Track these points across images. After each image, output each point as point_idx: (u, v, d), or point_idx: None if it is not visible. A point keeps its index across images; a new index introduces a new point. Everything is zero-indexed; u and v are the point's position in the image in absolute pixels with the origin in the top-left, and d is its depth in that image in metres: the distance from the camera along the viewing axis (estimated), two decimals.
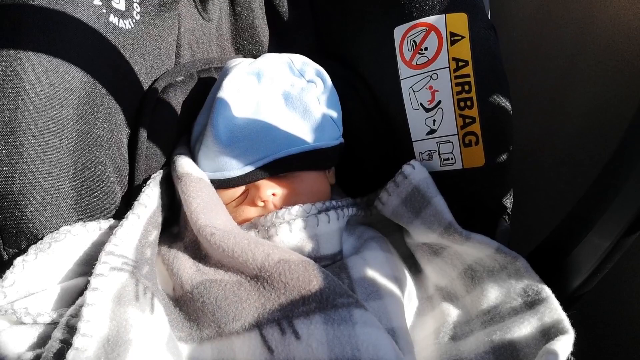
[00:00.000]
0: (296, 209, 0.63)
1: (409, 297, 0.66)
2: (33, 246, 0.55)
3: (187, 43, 0.81)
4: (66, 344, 0.48)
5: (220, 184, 0.68)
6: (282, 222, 0.62)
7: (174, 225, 0.70)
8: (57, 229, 0.57)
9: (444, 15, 0.66)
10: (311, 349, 0.48)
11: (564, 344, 0.50)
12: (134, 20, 0.69)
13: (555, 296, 0.56)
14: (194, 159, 0.70)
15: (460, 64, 0.65)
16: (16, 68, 0.56)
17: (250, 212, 0.67)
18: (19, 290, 0.53)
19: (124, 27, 0.67)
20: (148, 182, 0.65)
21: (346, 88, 0.78)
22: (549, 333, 0.54)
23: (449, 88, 0.66)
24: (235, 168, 0.67)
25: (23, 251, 0.56)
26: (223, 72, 0.73)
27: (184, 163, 0.67)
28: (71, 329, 0.49)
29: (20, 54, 0.56)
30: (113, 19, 0.65)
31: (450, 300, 0.65)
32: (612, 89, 0.87)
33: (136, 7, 0.70)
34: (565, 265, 0.60)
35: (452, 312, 0.64)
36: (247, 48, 0.87)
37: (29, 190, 0.56)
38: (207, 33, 0.84)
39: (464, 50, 0.65)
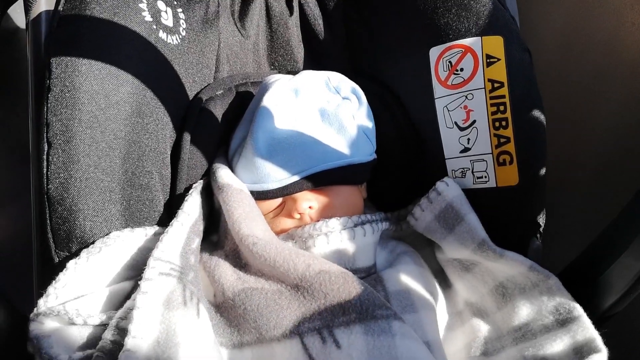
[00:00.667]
0: (333, 222, 0.65)
1: (439, 312, 0.68)
2: (85, 250, 0.57)
3: (226, 58, 0.84)
4: (117, 345, 0.50)
5: (258, 196, 0.70)
6: (320, 234, 0.64)
7: (213, 234, 0.72)
8: (107, 234, 0.60)
9: (480, 37, 0.68)
10: (351, 358, 0.50)
11: None
12: (180, 36, 0.72)
13: (587, 315, 0.57)
14: (232, 170, 0.73)
15: (496, 85, 0.67)
16: (73, 80, 0.59)
17: (286, 223, 0.69)
18: (70, 292, 0.55)
19: (172, 43, 0.70)
20: (190, 192, 0.68)
21: (380, 105, 0.80)
22: (581, 351, 0.55)
23: (484, 108, 0.67)
24: (273, 180, 0.69)
25: (74, 254, 0.58)
26: (262, 87, 0.76)
27: (224, 174, 0.70)
28: (121, 331, 0.51)
29: (77, 66, 0.59)
30: (162, 34, 0.68)
31: (481, 316, 0.66)
32: (638, 109, 0.88)
33: (182, 23, 0.73)
34: (597, 284, 0.61)
35: (483, 328, 0.65)
36: (282, 64, 0.90)
37: (83, 197, 0.58)
38: (245, 49, 0.87)
39: (499, 72, 0.67)
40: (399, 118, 0.79)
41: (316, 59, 0.90)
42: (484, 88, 0.67)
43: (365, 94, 0.78)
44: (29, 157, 0.66)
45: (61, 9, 0.63)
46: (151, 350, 0.48)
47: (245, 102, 0.79)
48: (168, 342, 0.49)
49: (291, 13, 0.88)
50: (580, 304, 0.58)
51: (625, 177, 0.86)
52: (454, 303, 0.70)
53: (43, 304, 0.53)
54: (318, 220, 0.67)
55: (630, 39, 0.90)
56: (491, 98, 0.67)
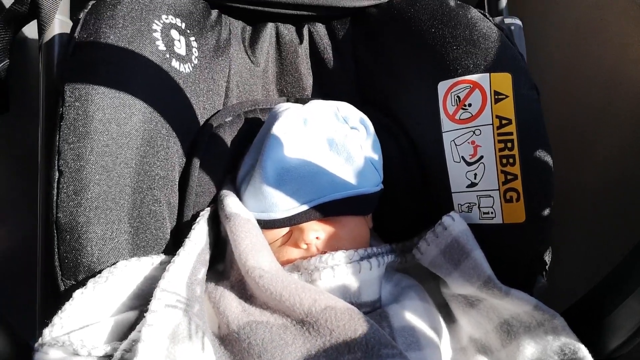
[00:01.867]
0: (340, 255, 0.65)
1: (443, 347, 0.67)
2: (91, 279, 0.57)
3: (236, 85, 0.85)
4: None
5: (265, 224, 0.70)
6: (326, 267, 0.64)
7: (219, 263, 0.72)
8: (114, 263, 0.60)
9: (488, 74, 0.69)
10: None
11: None
12: (193, 64, 0.72)
13: (592, 356, 0.57)
14: (240, 198, 0.73)
15: (504, 122, 0.67)
16: (87, 109, 0.59)
17: (293, 253, 0.69)
18: (75, 322, 0.55)
19: (184, 71, 0.70)
20: (197, 220, 0.68)
21: (387, 136, 0.81)
22: None
23: (491, 144, 0.68)
24: (281, 209, 0.69)
25: (80, 283, 0.58)
26: (272, 115, 0.76)
27: (231, 203, 0.70)
28: None
29: (91, 95, 0.60)
30: (175, 63, 0.69)
31: (485, 353, 0.66)
32: None
33: (195, 51, 0.73)
34: (603, 326, 0.60)
35: None
36: (290, 91, 0.90)
37: (92, 226, 0.58)
38: (254, 75, 0.88)
39: (507, 109, 0.67)
40: (406, 149, 0.80)
41: (325, 88, 0.90)
42: (492, 124, 0.68)
43: (373, 125, 0.78)
44: (29, 170, 0.66)
45: (77, 36, 0.64)
46: None
47: (254, 128, 0.79)
48: None
49: (301, 41, 0.89)
50: (585, 345, 0.58)
51: (632, 212, 0.86)
52: (458, 338, 0.70)
53: (48, 333, 0.53)
54: (325, 251, 0.67)
55: (634, 73, 0.90)
56: (499, 135, 0.67)
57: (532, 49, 1.02)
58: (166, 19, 0.70)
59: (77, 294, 0.55)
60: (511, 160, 0.67)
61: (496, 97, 0.68)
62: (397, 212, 0.81)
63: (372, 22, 0.85)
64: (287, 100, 0.87)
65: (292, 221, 0.69)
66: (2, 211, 1.00)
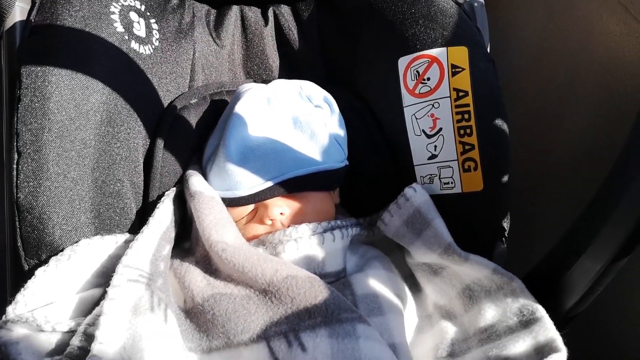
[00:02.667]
0: (303, 228, 0.66)
1: (409, 315, 0.69)
2: (54, 257, 0.58)
3: (201, 67, 0.85)
4: (84, 351, 0.50)
5: (230, 202, 0.71)
6: (290, 240, 0.65)
7: (185, 241, 0.73)
8: (77, 242, 0.60)
9: (445, 48, 0.70)
10: None
11: None
12: (153, 46, 0.73)
13: (550, 316, 0.59)
14: (205, 177, 0.74)
15: (461, 94, 0.69)
16: (43, 90, 0.60)
17: (258, 229, 0.70)
18: (39, 299, 0.55)
19: (144, 53, 0.71)
20: (162, 199, 0.68)
21: (351, 113, 0.82)
22: (542, 351, 0.56)
23: (449, 116, 0.69)
24: (245, 187, 0.70)
25: (43, 262, 0.58)
26: (235, 95, 0.77)
27: (196, 182, 0.71)
28: (89, 337, 0.51)
29: (47, 76, 0.60)
30: (134, 45, 0.69)
31: (449, 318, 0.68)
32: (606, 117, 0.91)
33: (155, 33, 0.74)
34: (558, 287, 0.62)
35: (450, 330, 0.66)
36: (257, 73, 0.91)
37: (52, 205, 0.59)
38: (220, 58, 0.88)
39: (464, 81, 0.69)
40: (371, 125, 0.81)
41: (291, 68, 0.91)
42: (450, 97, 0.69)
43: (338, 102, 0.79)
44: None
45: (33, 19, 0.64)
46: (117, 356, 0.48)
47: (220, 110, 0.80)
48: (134, 348, 0.49)
49: (266, 23, 0.90)
50: (544, 306, 0.60)
51: (589, 182, 0.88)
52: (424, 306, 0.71)
53: (11, 311, 0.54)
54: (289, 226, 0.68)
55: (600, 49, 0.92)
56: (456, 106, 0.69)
57: (503, 30, 1.04)
58: (125, 1, 0.70)
59: (40, 272, 0.56)
60: (468, 131, 0.68)
61: (453, 70, 0.70)
62: (364, 187, 0.82)
63: (336, 1, 0.86)
64: (254, 82, 0.88)
65: (256, 198, 0.70)
66: None
